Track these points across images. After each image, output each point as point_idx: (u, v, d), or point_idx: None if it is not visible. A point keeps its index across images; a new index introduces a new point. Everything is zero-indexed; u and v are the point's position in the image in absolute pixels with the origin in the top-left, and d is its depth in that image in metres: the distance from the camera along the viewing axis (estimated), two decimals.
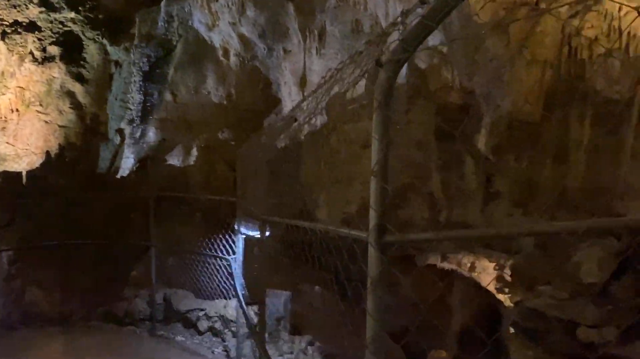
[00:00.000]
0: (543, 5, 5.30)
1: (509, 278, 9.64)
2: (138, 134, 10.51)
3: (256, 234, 5.67)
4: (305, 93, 9.31)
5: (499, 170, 6.53)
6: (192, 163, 10.38)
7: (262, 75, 9.87)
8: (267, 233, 5.48)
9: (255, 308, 6.18)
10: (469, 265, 10.21)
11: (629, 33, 5.15)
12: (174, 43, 10.22)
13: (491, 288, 10.31)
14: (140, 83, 10.43)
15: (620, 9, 4.97)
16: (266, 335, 6.31)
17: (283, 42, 9.26)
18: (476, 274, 10.47)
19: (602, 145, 5.72)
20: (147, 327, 8.76)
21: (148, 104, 10.59)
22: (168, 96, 10.46)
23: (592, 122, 5.69)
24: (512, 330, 10.34)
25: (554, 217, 6.80)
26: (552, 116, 5.66)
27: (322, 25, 8.78)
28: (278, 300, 7.04)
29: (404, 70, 8.37)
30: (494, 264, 9.41)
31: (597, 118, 5.65)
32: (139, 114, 10.37)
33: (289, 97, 9.59)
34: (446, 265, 10.65)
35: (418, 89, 7.62)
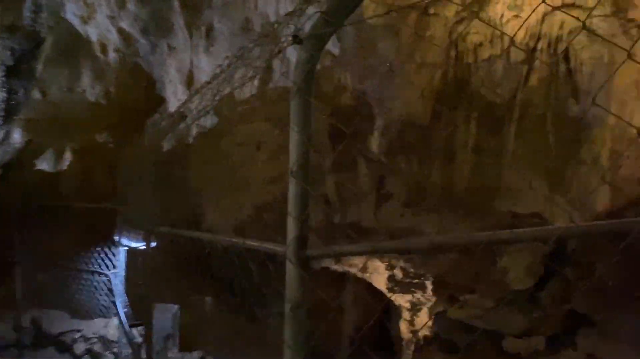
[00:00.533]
0: (432, 11, 5.40)
1: (399, 276, 9.85)
2: (1, 136, 9.33)
3: (141, 245, 5.17)
4: (192, 92, 8.83)
5: (391, 172, 6.58)
6: (65, 168, 9.40)
7: (145, 72, 9.21)
8: (153, 244, 5.01)
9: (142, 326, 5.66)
10: (360, 266, 10.29)
11: (509, 40, 5.40)
12: (43, 36, 9.20)
13: (383, 287, 10.48)
14: (3, 79, 9.26)
15: (502, 17, 5.20)
16: (154, 355, 5.80)
17: (168, 38, 8.70)
18: (368, 275, 10.59)
19: (486, 146, 5.96)
20: (12, 354, 7.75)
21: (12, 103, 9.43)
22: (37, 94, 9.39)
23: (477, 124, 5.90)
24: (407, 332, 10.42)
25: (442, 216, 7.02)
26: (440, 118, 5.79)
27: (209, 22, 8.37)
28: (166, 315, 6.53)
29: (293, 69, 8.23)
30: (385, 264, 9.55)
31: (482, 120, 5.87)
32: (2, 114, 9.20)
33: (175, 96, 9.04)
34: (339, 268, 10.65)
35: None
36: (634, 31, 5.37)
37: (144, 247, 5.12)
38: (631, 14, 5.16)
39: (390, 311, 11.65)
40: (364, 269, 10.14)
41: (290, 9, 8.52)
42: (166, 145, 8.20)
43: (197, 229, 7.73)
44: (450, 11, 5.41)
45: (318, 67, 5.66)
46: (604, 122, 5.68)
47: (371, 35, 6.08)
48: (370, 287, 10.92)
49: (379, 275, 10.10)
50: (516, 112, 5.75)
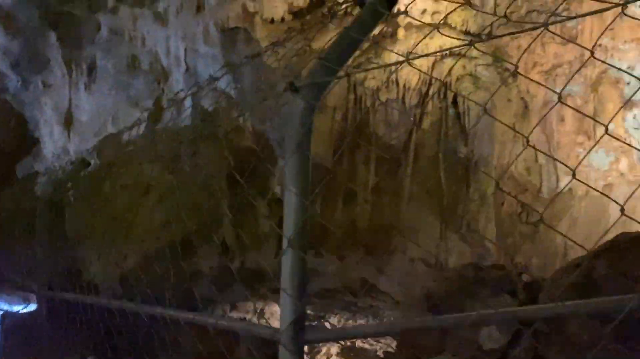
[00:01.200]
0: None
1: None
2: None
3: (21, 308, 4.49)
4: (72, 133, 8.13)
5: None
6: None
7: (14, 111, 8.34)
8: (33, 306, 4.37)
9: None
10: (258, 311, 9.96)
11: (404, 85, 5.67)
12: None
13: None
14: None
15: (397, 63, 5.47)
16: None
17: (42, 74, 8.00)
18: (265, 321, 10.27)
19: (385, 186, 6.13)
20: None
21: None
22: None
23: (376, 165, 6.07)
24: None
25: (343, 256, 7.06)
26: (342, 160, 5.87)
27: (92, 58, 7.84)
28: None
29: (188, 110, 7.90)
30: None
31: (380, 161, 6.05)
32: None
33: (51, 137, 8.27)
34: (234, 314, 10.23)
35: (206, 131, 7.28)
36: (510, 79, 5.94)
37: (28, 310, 4.44)
38: (507, 64, 5.70)
39: None
40: (261, 314, 9.82)
41: (181, 47, 8.19)
42: (41, 191, 7.41)
43: (78, 282, 6.94)
44: None
45: (212, 108, 5.45)
46: (489, 163, 6.13)
47: (269, 77, 6.07)
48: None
49: (276, 320, 9.82)
50: (411, 153, 6.01)
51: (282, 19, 6.07)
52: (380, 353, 9.77)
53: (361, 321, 8.88)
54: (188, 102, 6.95)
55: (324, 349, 10.30)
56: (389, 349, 9.57)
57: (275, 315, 10.07)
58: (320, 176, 4.96)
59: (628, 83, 5.88)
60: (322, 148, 5.88)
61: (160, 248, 7.93)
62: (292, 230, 1.31)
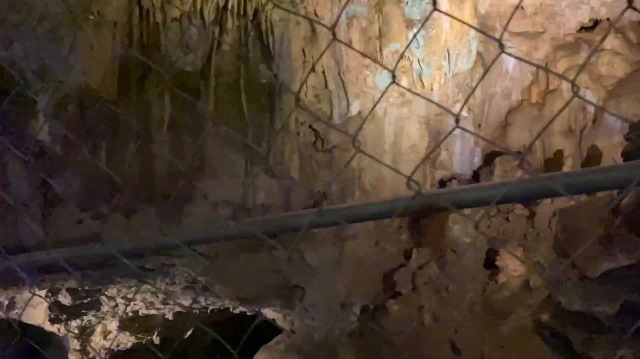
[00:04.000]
0: None
1: (66, 301, 8.06)
2: None
3: None
4: None
5: (67, 166, 5.09)
6: None
7: None
8: None
9: None
10: (6, 303, 8.00)
11: None
12: None
13: (41, 321, 8.41)
14: None
15: None
16: None
17: None
18: (18, 312, 8.32)
19: (183, 122, 5.23)
20: None
21: None
22: None
23: (171, 97, 5.09)
24: None
25: (134, 211, 5.89)
26: (130, 91, 4.73)
27: None
28: None
29: None
30: (45, 291, 7.67)
31: (176, 93, 5.09)
32: None
33: None
34: None
35: None
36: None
37: None
38: None
39: (47, 349, 9.53)
40: (11, 306, 7.86)
41: None
42: None
43: None
44: None
45: None
46: (289, 90, 5.75)
47: None
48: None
49: (34, 309, 8.01)
50: (212, 80, 5.20)
51: None
52: (169, 316, 8.90)
53: (148, 286, 7.87)
54: None
55: (98, 329, 8.91)
56: (179, 310, 8.77)
57: (32, 303, 8.21)
58: (104, 113, 3.83)
59: (407, 3, 6.11)
60: (103, 77, 4.61)
61: None
62: None
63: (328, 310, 7.01)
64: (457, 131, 7.93)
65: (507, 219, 7.12)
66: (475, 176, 8.10)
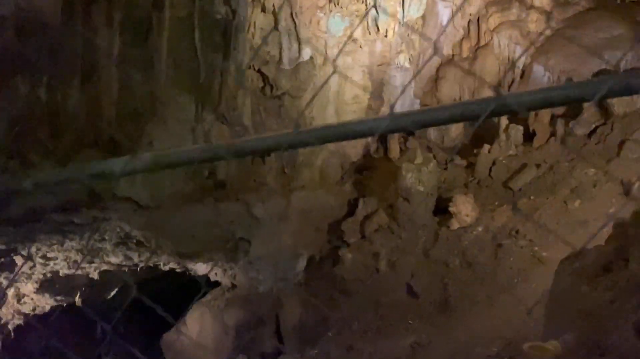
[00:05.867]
0: None
1: None
2: None
3: None
4: None
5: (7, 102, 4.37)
6: None
7: None
8: None
9: None
10: None
11: None
12: None
13: None
14: None
15: None
16: None
17: None
18: None
19: (133, 58, 4.68)
20: None
21: None
22: None
23: (121, 29, 4.50)
24: None
25: (70, 157, 5.24)
26: (74, 18, 4.12)
27: None
28: None
29: None
30: None
31: (126, 24, 4.52)
32: None
33: None
34: None
35: None
36: None
37: None
38: None
39: None
40: None
41: None
42: None
43: None
44: None
45: None
46: (245, 28, 5.36)
47: None
48: None
49: None
50: (166, 12, 4.66)
51: None
52: (94, 275, 8.29)
53: (73, 244, 7.22)
54: None
55: (10, 292, 8.12)
56: (106, 268, 8.19)
57: None
58: (45, 43, 3.32)
59: None
60: (46, 1, 3.94)
61: None
62: None
63: (274, 262, 6.86)
64: (398, 82, 7.96)
65: (446, 169, 7.36)
66: None
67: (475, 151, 7.30)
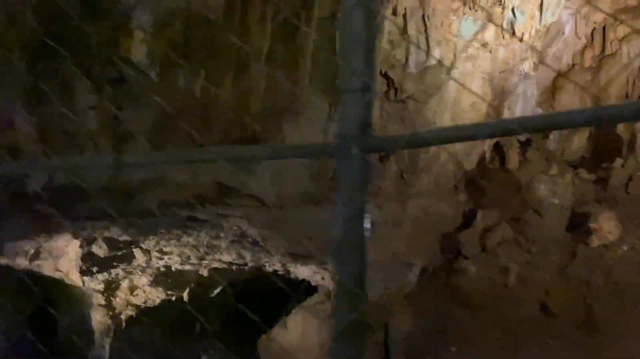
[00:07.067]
0: None
1: (101, 252, 7.51)
2: None
3: None
4: None
5: (143, 97, 4.50)
6: None
7: None
8: None
9: None
10: (32, 252, 7.44)
11: None
12: None
13: (73, 273, 7.86)
14: None
15: None
16: None
17: None
18: (40, 263, 7.76)
19: (279, 55, 4.70)
20: None
21: None
22: None
23: (272, 26, 4.54)
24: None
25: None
26: (234, 11, 4.18)
27: None
28: None
29: None
30: (80, 240, 7.13)
31: (276, 19, 4.55)
32: None
33: None
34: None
35: None
36: None
37: None
38: None
39: (61, 306, 8.96)
40: (35, 256, 7.24)
41: None
42: None
43: None
44: None
45: None
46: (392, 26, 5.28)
47: None
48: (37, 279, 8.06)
49: (63, 259, 7.43)
50: (315, 11, 4.67)
51: None
52: (204, 272, 8.44)
53: (190, 239, 7.39)
54: None
55: (124, 284, 8.40)
56: (216, 266, 8.30)
57: (54, 254, 7.69)
58: (206, 37, 3.29)
59: None
60: None
61: None
62: None
63: (385, 269, 6.70)
64: (520, 89, 7.64)
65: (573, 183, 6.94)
66: None
67: (603, 165, 6.85)
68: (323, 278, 7.59)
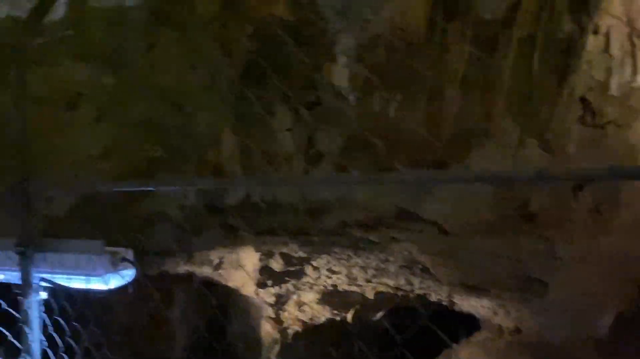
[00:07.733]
0: None
1: (277, 267, 7.85)
2: None
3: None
4: None
5: (336, 119, 4.61)
6: None
7: None
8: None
9: None
10: (216, 261, 7.97)
11: None
12: None
13: (249, 285, 8.32)
14: None
15: None
16: None
17: None
18: (221, 272, 8.28)
19: (473, 77, 4.53)
20: None
21: None
22: None
23: (469, 46, 4.41)
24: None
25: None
26: (434, 33, 4.11)
27: None
28: None
29: None
30: (260, 254, 7.47)
31: (475, 41, 4.41)
32: None
33: None
34: (187, 267, 8.14)
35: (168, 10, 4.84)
36: None
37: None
38: None
39: (232, 314, 9.54)
40: (219, 266, 7.81)
41: None
42: None
43: None
44: None
45: None
46: (592, 46, 4.85)
47: None
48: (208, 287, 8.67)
49: (234, 271, 7.92)
50: (516, 31, 4.46)
51: None
52: (370, 295, 8.40)
53: (358, 261, 7.39)
54: None
55: (293, 299, 8.67)
56: (382, 289, 8.22)
57: (235, 264, 8.17)
58: (405, 58, 3.07)
59: None
60: (411, 15, 4.03)
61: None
62: None
63: (573, 311, 6.11)
64: None
65: None
66: None
67: None
68: (496, 313, 7.14)
